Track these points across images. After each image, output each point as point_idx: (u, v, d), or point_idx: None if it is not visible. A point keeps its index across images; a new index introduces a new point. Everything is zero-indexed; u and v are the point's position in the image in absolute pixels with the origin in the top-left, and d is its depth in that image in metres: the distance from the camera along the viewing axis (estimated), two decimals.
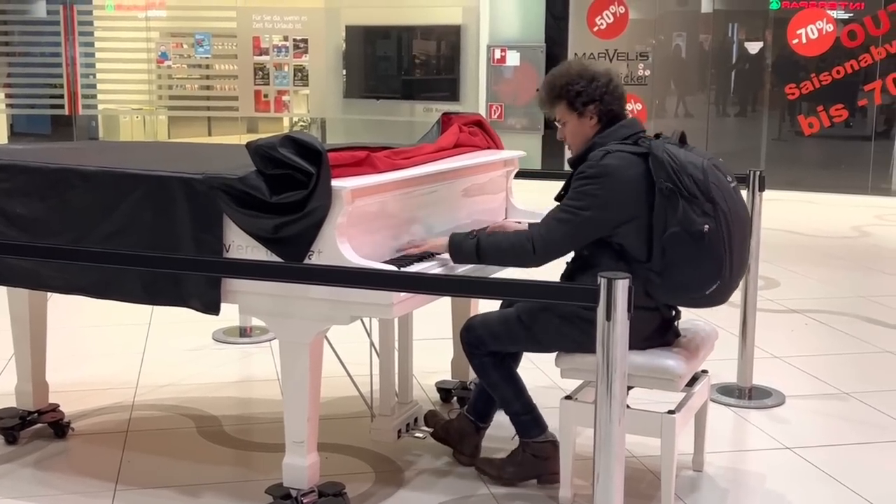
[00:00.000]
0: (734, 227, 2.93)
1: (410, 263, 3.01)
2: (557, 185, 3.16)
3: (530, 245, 2.98)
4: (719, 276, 2.94)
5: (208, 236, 2.90)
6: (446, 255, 3.11)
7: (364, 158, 3.02)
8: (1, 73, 12.25)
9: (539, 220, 3.09)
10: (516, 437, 3.29)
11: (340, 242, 2.79)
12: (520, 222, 3.54)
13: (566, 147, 3.24)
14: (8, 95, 12.44)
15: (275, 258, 2.82)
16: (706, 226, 2.88)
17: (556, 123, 3.19)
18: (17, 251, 3.02)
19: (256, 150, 2.83)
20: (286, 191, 2.78)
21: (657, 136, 3.07)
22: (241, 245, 2.88)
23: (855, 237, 8.52)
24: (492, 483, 3.27)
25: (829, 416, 4.06)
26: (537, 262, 3.01)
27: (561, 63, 3.28)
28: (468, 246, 3.05)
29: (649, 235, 2.95)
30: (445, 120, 3.78)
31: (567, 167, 3.54)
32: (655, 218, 2.93)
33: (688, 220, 2.88)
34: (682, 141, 3.04)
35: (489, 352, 3.20)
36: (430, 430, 3.53)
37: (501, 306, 3.43)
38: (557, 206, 3.05)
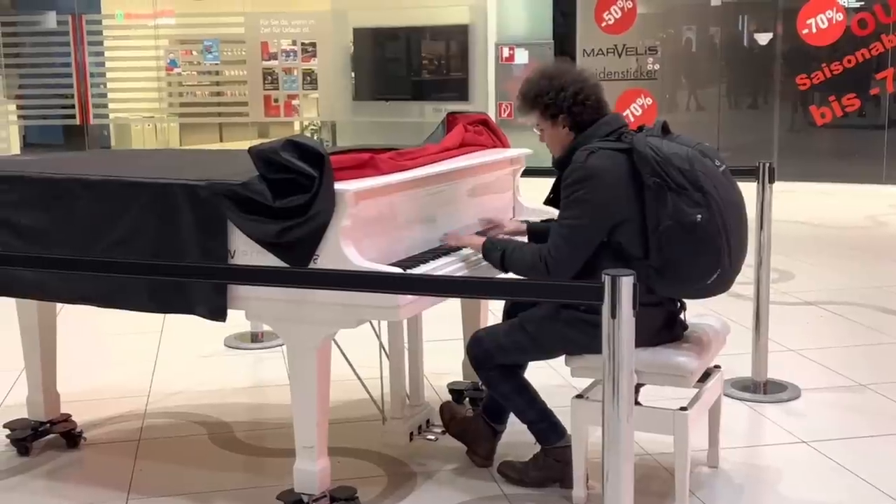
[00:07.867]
0: (727, 213, 2.89)
1: (417, 265, 3.00)
2: None
3: (543, 265, 2.95)
4: (719, 265, 2.91)
5: (213, 243, 2.90)
6: (462, 253, 3.18)
7: (367, 160, 3.01)
8: (13, 85, 12.31)
9: (540, 219, 3.06)
10: (537, 444, 3.26)
11: (345, 245, 2.77)
12: (523, 221, 3.54)
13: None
14: (20, 107, 12.50)
15: (280, 263, 2.81)
16: (699, 216, 2.84)
17: (535, 130, 3.18)
18: (24, 262, 3.02)
19: (258, 155, 2.82)
20: (289, 195, 2.77)
21: (640, 128, 3.03)
22: (245, 251, 2.87)
23: (870, 227, 8.46)
24: (510, 485, 3.24)
25: (846, 408, 4.02)
26: (555, 279, 2.94)
27: (535, 68, 3.20)
28: (494, 258, 3.07)
29: (644, 232, 2.92)
30: (451, 119, 3.76)
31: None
32: (647, 214, 2.90)
33: (679, 213, 2.84)
34: (665, 131, 2.99)
35: (497, 365, 3.18)
36: (444, 424, 3.49)
37: (504, 317, 3.41)
38: (557, 221, 3.02)
